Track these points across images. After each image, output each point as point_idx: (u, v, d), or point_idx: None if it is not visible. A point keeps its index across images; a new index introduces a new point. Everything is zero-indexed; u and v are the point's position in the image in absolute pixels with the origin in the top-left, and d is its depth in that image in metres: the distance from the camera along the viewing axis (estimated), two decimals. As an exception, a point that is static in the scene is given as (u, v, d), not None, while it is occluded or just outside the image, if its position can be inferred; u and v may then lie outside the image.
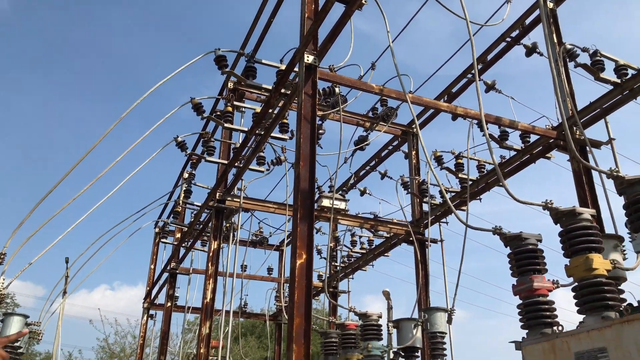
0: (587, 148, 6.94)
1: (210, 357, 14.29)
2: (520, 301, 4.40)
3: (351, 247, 12.29)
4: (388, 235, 11.29)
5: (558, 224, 4.13)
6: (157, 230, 14.97)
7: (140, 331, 14.61)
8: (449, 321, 7.04)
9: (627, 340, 3.31)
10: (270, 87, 7.21)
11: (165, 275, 13.05)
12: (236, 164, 8.70)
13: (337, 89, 7.72)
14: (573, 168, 7.30)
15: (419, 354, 7.39)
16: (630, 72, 7.01)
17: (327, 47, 6.11)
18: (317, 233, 14.44)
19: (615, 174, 3.57)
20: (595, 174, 7.19)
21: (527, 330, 4.28)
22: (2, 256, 5.49)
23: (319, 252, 13.05)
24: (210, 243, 8.70)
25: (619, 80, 6.97)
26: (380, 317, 6.86)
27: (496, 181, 9.14)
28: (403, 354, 7.31)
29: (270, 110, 7.78)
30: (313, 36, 6.11)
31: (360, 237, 12.32)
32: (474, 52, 4.88)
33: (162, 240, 13.50)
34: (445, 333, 6.95)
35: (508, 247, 4.56)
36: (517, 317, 4.36)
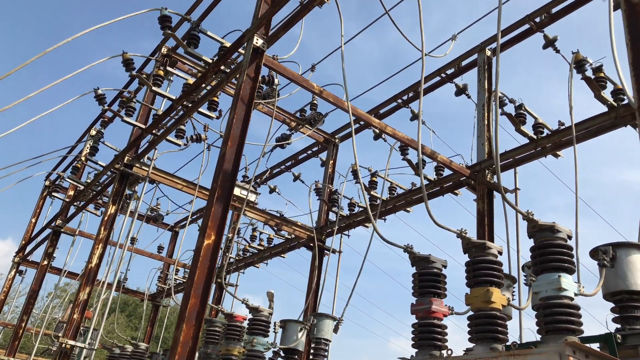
0: (497, 191, 7.37)
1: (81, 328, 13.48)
2: (416, 320, 4.55)
3: (250, 242, 12.15)
4: (289, 237, 11.30)
5: (467, 254, 4.32)
6: (47, 183, 13.93)
7: (4, 286, 13.46)
8: (335, 330, 7.13)
9: (509, 372, 3.50)
10: (210, 60, 6.97)
11: (47, 232, 12.15)
12: (154, 131, 8.31)
13: (276, 80, 7.62)
14: (478, 208, 7.70)
15: (298, 357, 7.44)
16: (546, 131, 7.55)
17: (279, 35, 6.03)
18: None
19: (530, 216, 3.79)
20: (496, 216, 7.64)
21: (417, 350, 4.42)
22: None
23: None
24: (107, 207, 8.21)
25: (534, 136, 7.48)
26: (271, 314, 6.80)
27: (404, 205, 9.45)
28: (283, 354, 7.31)
29: (202, 85, 7.52)
30: (267, 20, 6.00)
31: (261, 233, 12.22)
32: (422, 75, 5.02)
33: (52, 194, 12.56)
34: (330, 341, 7.03)
35: (414, 267, 4.70)
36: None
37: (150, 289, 14.63)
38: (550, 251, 3.71)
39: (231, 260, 12.42)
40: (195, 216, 14.74)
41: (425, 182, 9.04)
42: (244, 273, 12.94)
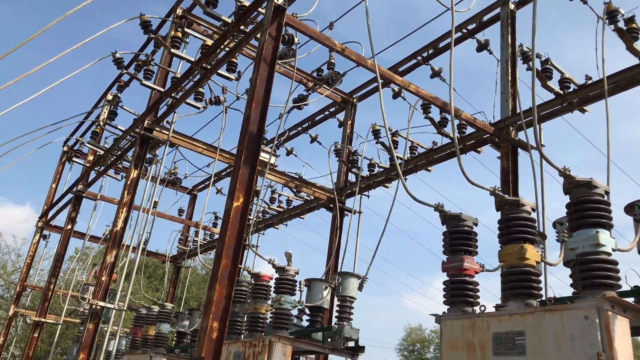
0: (522, 149, 7.28)
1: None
2: (447, 278, 4.57)
3: (269, 204, 12.21)
4: (309, 199, 11.33)
5: (499, 211, 4.29)
6: (65, 148, 14.01)
7: (30, 250, 13.74)
8: (360, 288, 7.21)
9: (546, 327, 3.52)
10: (229, 21, 6.85)
11: (68, 197, 12.29)
12: (172, 94, 8.27)
13: (296, 39, 7.49)
14: (502, 166, 7.63)
15: (323, 315, 7.56)
16: (572, 86, 7.39)
17: (301, -8, 5.89)
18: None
19: (567, 172, 3.74)
20: (521, 174, 7.57)
21: (448, 306, 4.45)
22: None
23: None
24: (129, 171, 8.26)
25: (561, 92, 7.33)
26: (297, 273, 6.89)
27: (425, 164, 9.39)
28: (309, 312, 7.44)
29: (221, 46, 7.42)
30: (288, -23, 5.85)
31: (280, 195, 12.27)
32: (452, 30, 4.89)
33: (71, 159, 12.63)
34: (355, 298, 7.12)
35: (445, 225, 4.70)
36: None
37: (171, 251, 14.86)
38: (587, 207, 3.67)
39: (251, 221, 12.52)
40: (214, 179, 14.83)
41: (447, 140, 8.96)
42: (263, 234, 13.07)
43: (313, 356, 9.30)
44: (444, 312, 4.42)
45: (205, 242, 14.36)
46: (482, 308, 4.12)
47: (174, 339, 10.29)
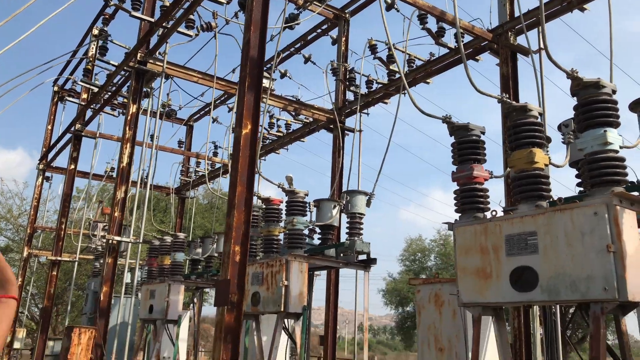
0: (521, 54, 7.23)
1: (106, 224, 14.05)
2: (458, 187, 4.71)
3: (268, 129, 12.22)
4: (307, 121, 11.33)
5: (507, 118, 4.36)
6: (55, 88, 13.79)
7: (35, 193, 13.87)
8: (368, 204, 7.41)
9: (556, 226, 3.69)
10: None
11: (67, 137, 12.26)
12: (163, 24, 8.06)
13: (286, -44, 7.21)
14: (501, 72, 7.61)
15: (333, 232, 7.80)
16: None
17: None
18: (229, 112, 14.14)
19: (575, 74, 3.77)
20: (520, 81, 7.57)
21: (460, 214, 4.62)
22: None
23: (233, 130, 12.81)
24: (128, 106, 8.20)
25: (561, -9, 7.17)
26: (306, 194, 7.04)
27: (423, 77, 9.34)
28: (319, 231, 7.68)
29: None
30: None
31: (279, 119, 12.25)
32: None
33: (63, 99, 12.47)
34: (364, 214, 7.33)
35: (453, 136, 4.77)
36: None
37: (174, 183, 15.02)
38: (595, 107, 3.73)
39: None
40: (208, 108, 14.73)
41: (444, 51, 8.85)
42: (265, 160, 13.17)
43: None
44: (456, 220, 4.60)
45: (206, 171, 14.49)
46: (494, 213, 4.28)
47: (189, 266, 10.66)
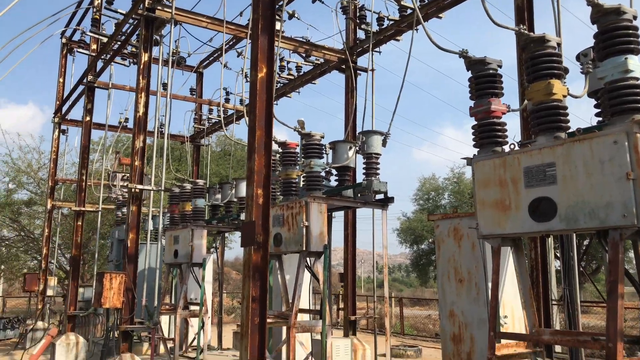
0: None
1: (125, 174, 14.29)
2: (475, 122, 4.73)
3: (279, 73, 12.13)
4: (318, 63, 11.22)
5: (524, 50, 4.32)
6: (63, 40, 13.70)
7: (52, 146, 14.07)
8: (384, 144, 7.46)
9: (575, 156, 3.73)
10: None
11: (79, 90, 12.29)
12: (169, -32, 7.91)
13: None
14: (516, 4, 7.42)
15: (350, 173, 7.90)
16: None
17: None
18: (238, 57, 13.99)
19: (594, 1, 3.70)
20: (536, 3, 7.38)
21: (478, 149, 4.67)
22: None
23: (246, 76, 12.74)
24: (140, 55, 8.18)
25: None
26: (322, 137, 7.10)
27: (435, 12, 9.14)
28: (336, 172, 7.78)
29: None
30: None
31: (289, 62, 12.13)
32: None
33: (77, 50, 12.42)
34: (380, 154, 7.40)
35: (470, 71, 4.75)
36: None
37: (189, 131, 15.11)
38: (616, 34, 3.68)
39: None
40: (217, 54, 14.59)
41: (456, -17, 8.61)
42: (277, 104, 13.15)
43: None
44: (474, 155, 4.65)
45: (219, 118, 14.50)
46: (512, 146, 4.32)
47: (209, 211, 10.91)
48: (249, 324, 4.75)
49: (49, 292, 14.39)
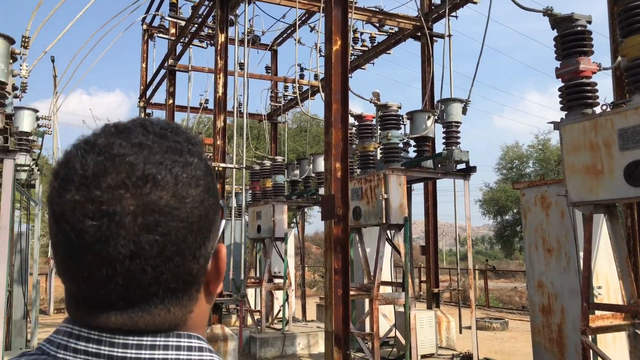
0: None
1: (207, 154, 14.79)
2: (562, 84, 4.48)
3: (353, 45, 12.01)
4: (393, 32, 11.00)
5: (616, 3, 4.01)
6: (144, 27, 14.27)
7: (140, 130, 14.76)
8: (464, 112, 7.23)
9: (677, 114, 3.45)
10: None
11: (161, 74, 12.79)
12: (241, -52, 7.98)
13: None
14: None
15: (429, 144, 7.74)
16: None
17: None
18: (311, 32, 13.98)
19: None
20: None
21: (566, 112, 4.42)
22: (26, 40, 5.19)
23: (320, 50, 12.74)
24: (217, 36, 8.37)
25: None
26: (399, 107, 6.99)
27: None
28: (414, 143, 7.66)
29: None
30: None
31: (362, 33, 11.98)
32: None
33: (157, 36, 12.91)
34: (461, 122, 7.19)
35: (556, 30, 4.48)
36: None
37: (265, 109, 15.37)
38: None
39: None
40: (290, 30, 14.66)
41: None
42: (351, 77, 13.06)
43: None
44: (561, 119, 4.41)
45: (294, 95, 14.64)
46: (604, 107, 4.06)
47: (288, 187, 11.12)
48: (333, 296, 4.83)
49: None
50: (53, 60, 10.91)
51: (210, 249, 0.68)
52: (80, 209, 0.59)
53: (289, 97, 14.87)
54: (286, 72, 14.91)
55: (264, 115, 15.03)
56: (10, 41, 4.70)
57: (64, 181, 0.61)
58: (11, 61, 4.77)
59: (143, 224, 0.59)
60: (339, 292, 4.86)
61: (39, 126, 8.34)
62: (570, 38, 4.31)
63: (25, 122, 7.89)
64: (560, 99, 4.43)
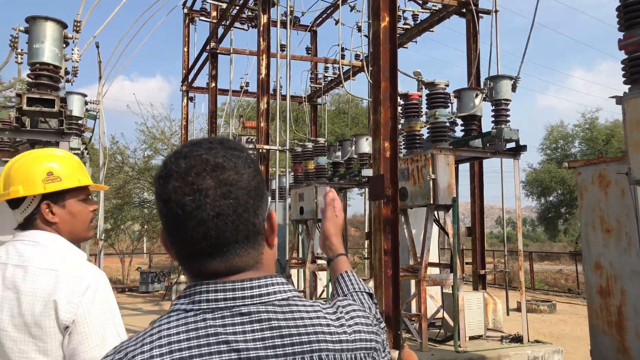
0: None
1: (249, 137, 14.90)
2: (626, 56, 4.26)
3: (395, 23, 11.78)
4: (437, 8, 10.73)
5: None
6: (185, 10, 14.37)
7: (183, 113, 15.00)
8: (514, 89, 7.02)
9: None
10: None
11: (203, 57, 12.89)
12: None
13: None
14: None
15: (477, 122, 7.55)
16: None
17: None
18: (351, 11, 13.80)
19: None
20: None
21: (629, 85, 4.21)
22: (77, 24, 5.29)
23: (360, 29, 12.57)
24: (259, 17, 8.34)
25: None
26: (447, 85, 6.83)
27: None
28: (461, 122, 7.48)
29: None
30: None
31: (404, 11, 11.73)
32: None
33: (200, 18, 12.97)
34: (510, 100, 6.98)
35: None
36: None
37: (305, 91, 15.32)
38: None
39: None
40: (329, 11, 14.50)
41: None
42: (393, 57, 12.83)
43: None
44: (624, 93, 4.20)
45: (335, 75, 14.51)
46: (673, 79, 3.84)
47: (330, 169, 11.07)
48: (382, 277, 4.79)
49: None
50: (98, 46, 11.10)
51: (264, 211, 0.98)
52: (180, 191, 0.91)
53: (328, 78, 14.77)
54: (325, 53, 14.84)
55: (304, 97, 14.98)
56: (63, 26, 4.78)
57: (166, 177, 0.94)
58: (64, 45, 4.86)
59: (220, 193, 0.90)
60: (389, 272, 4.81)
61: (87, 110, 8.52)
62: (635, 7, 4.08)
63: (75, 107, 8.08)
64: (624, 72, 4.21)
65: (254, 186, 0.94)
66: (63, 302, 1.53)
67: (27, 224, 1.72)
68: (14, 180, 1.68)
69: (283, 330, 0.89)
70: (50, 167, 1.72)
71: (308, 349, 0.89)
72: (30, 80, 4.85)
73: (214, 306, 0.90)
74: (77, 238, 1.80)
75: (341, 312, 0.99)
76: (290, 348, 0.88)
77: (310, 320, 0.93)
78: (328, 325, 0.94)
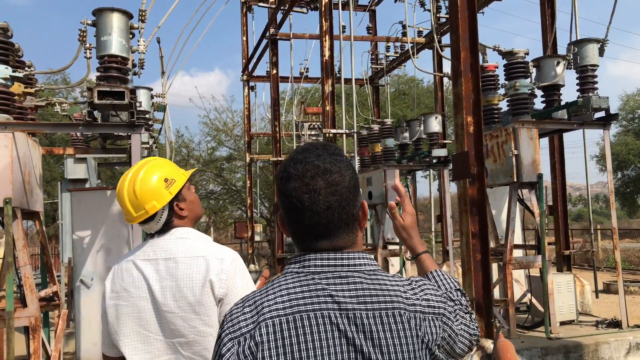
0: None
1: (312, 123, 14.74)
2: None
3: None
4: (504, -25, 10.09)
5: None
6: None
7: (245, 103, 15.00)
8: (601, 53, 6.44)
9: None
10: None
11: (262, 45, 12.76)
12: None
13: None
14: None
15: (558, 92, 7.00)
16: None
17: None
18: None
19: None
20: None
21: None
22: (143, 13, 5.23)
23: (422, 4, 12.05)
24: (320, -2, 8.06)
25: None
26: (527, 54, 6.35)
27: None
28: (542, 93, 6.95)
29: None
30: None
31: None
32: None
33: (258, 5, 12.85)
34: (598, 65, 6.41)
35: None
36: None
37: (367, 72, 14.94)
38: None
39: (442, 20, 11.74)
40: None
41: None
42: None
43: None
44: None
45: (396, 55, 14.05)
46: None
47: (397, 151, 10.72)
48: (471, 261, 4.47)
49: (257, 238, 15.69)
50: (159, 42, 11.18)
51: (359, 203, 1.24)
52: (299, 190, 1.18)
53: (390, 58, 14.32)
54: (386, 33, 14.34)
55: (365, 79, 14.62)
56: (129, 16, 4.71)
57: (287, 178, 1.20)
58: (130, 36, 4.79)
59: (330, 191, 1.18)
60: (478, 257, 4.48)
61: (153, 104, 8.57)
62: None
63: (142, 101, 8.13)
64: None
65: (353, 184, 1.21)
66: (216, 280, 1.87)
67: (165, 227, 2.00)
68: (144, 200, 1.96)
69: (371, 291, 1.15)
70: (162, 175, 2.00)
71: (390, 306, 1.14)
72: (99, 73, 4.81)
73: (320, 270, 1.16)
74: (198, 217, 2.13)
75: (415, 285, 1.24)
76: (377, 305, 1.13)
77: (392, 286, 1.19)
78: (405, 292, 1.19)
